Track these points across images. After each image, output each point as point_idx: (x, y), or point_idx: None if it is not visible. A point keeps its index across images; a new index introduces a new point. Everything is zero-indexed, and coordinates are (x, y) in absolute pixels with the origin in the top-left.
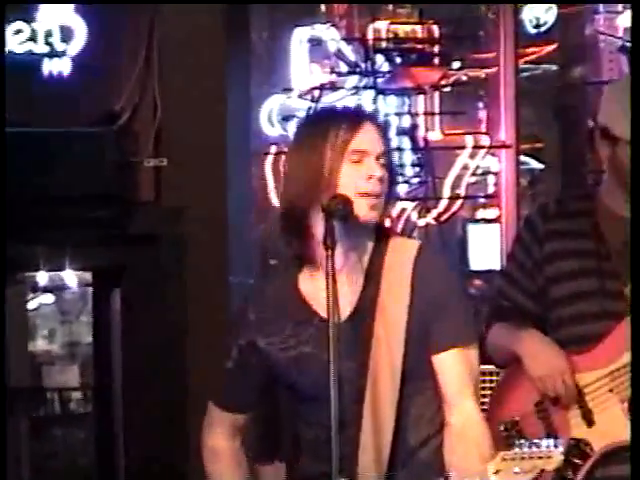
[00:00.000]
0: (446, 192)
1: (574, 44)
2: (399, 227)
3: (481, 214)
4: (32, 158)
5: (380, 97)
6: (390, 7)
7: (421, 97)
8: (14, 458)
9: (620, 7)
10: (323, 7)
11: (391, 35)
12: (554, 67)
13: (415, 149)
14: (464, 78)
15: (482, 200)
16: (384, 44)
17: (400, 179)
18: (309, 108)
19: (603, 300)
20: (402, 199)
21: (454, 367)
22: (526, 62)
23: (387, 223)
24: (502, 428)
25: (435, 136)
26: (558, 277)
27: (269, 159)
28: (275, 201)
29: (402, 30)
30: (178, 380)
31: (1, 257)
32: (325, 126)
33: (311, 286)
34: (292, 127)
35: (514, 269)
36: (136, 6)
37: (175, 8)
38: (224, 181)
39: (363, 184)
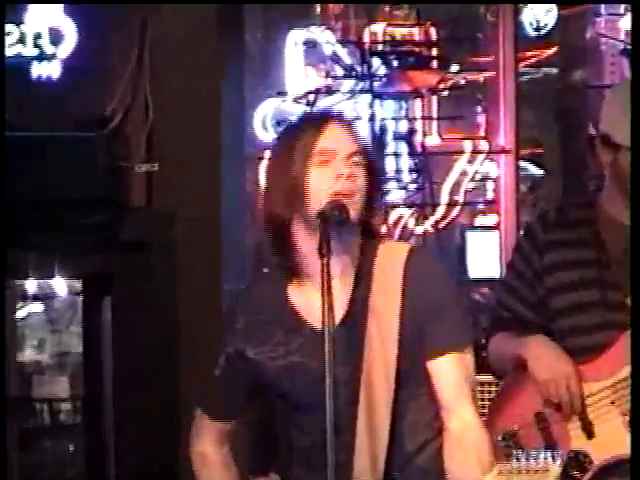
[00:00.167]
0: (444, 198)
1: (575, 47)
2: (396, 234)
3: (480, 221)
4: (20, 162)
5: (377, 101)
6: (387, 9)
7: (418, 101)
8: (2, 469)
9: (622, 9)
10: (318, 9)
11: (388, 38)
12: (554, 70)
13: (412, 154)
14: (462, 82)
15: (481, 206)
16: (380, 47)
17: (397, 185)
18: (304, 112)
19: (605, 311)
20: (399, 205)
21: (450, 372)
22: (526, 65)
23: (383, 229)
24: (500, 439)
25: (433, 141)
26: (559, 288)
27: (263, 164)
28: None
29: (399, 32)
30: (170, 391)
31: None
32: (292, 132)
33: (300, 295)
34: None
35: (514, 279)
36: (127, 7)
37: (167, 8)
38: (217, 186)
39: (332, 184)
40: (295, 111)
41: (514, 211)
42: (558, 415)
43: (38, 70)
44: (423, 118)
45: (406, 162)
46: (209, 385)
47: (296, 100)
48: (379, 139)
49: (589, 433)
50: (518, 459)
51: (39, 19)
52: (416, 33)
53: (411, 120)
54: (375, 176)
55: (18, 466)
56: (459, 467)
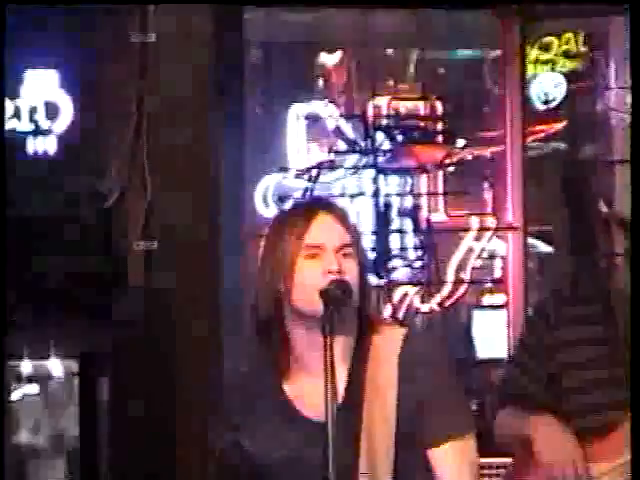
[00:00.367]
0: (450, 276)
1: (584, 121)
2: (401, 313)
3: (487, 300)
4: (14, 241)
5: (381, 176)
6: (391, 82)
7: (424, 177)
8: None
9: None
10: (321, 83)
11: (392, 112)
12: (563, 145)
13: (417, 231)
14: (469, 157)
15: (488, 285)
16: (385, 121)
17: (402, 262)
18: (306, 188)
19: (616, 390)
20: (404, 283)
21: (451, 460)
22: (534, 140)
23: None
24: None
25: (439, 217)
26: (571, 365)
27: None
28: None
29: (403, 106)
30: (169, 474)
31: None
32: (280, 225)
33: (293, 386)
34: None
35: (523, 355)
36: (124, 81)
37: (165, 82)
38: (217, 264)
39: (321, 280)
40: (297, 186)
41: (522, 290)
42: None
43: (33, 145)
44: (428, 194)
45: (411, 239)
46: (207, 474)
47: (298, 175)
48: (383, 215)
49: None
50: None
51: (35, 93)
52: (421, 107)
53: (416, 196)
54: (366, 264)
55: None
56: None
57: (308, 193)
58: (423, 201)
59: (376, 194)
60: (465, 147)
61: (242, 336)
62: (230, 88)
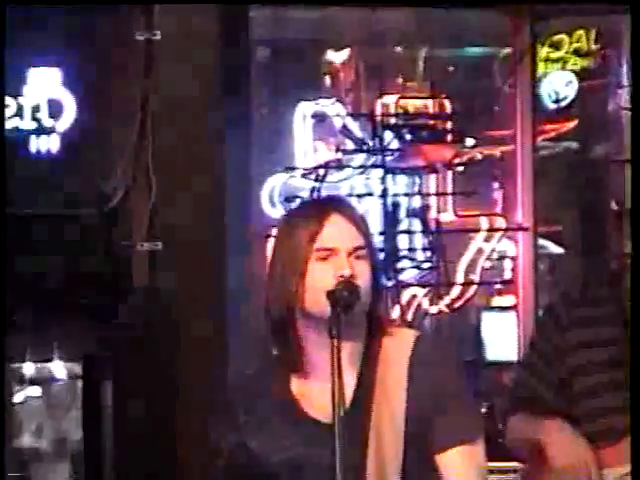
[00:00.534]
0: (459, 277)
1: (596, 120)
2: (409, 315)
3: (497, 301)
4: (17, 242)
5: (389, 176)
6: (400, 81)
7: (433, 176)
8: None
9: None
10: (328, 81)
11: (400, 110)
12: (574, 144)
13: (426, 232)
14: (478, 156)
15: (498, 286)
16: (393, 120)
17: (410, 263)
18: (313, 188)
19: (628, 392)
20: (412, 285)
21: (459, 466)
22: (544, 139)
23: (396, 309)
24: None
25: (448, 218)
26: (582, 368)
27: (270, 242)
28: None
29: (412, 105)
30: (174, 478)
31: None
32: (294, 222)
33: (302, 387)
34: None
35: (535, 358)
36: (128, 79)
37: (170, 80)
38: (222, 266)
39: (332, 284)
40: (304, 186)
41: (532, 291)
42: None
43: (36, 144)
44: (437, 194)
45: (420, 240)
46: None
47: (305, 175)
48: (392, 216)
49: None
50: None
51: (38, 91)
52: (430, 105)
53: (425, 196)
54: (379, 266)
55: None
56: None
57: (315, 193)
58: (432, 201)
59: (384, 194)
60: (474, 146)
61: (247, 337)
62: (236, 87)
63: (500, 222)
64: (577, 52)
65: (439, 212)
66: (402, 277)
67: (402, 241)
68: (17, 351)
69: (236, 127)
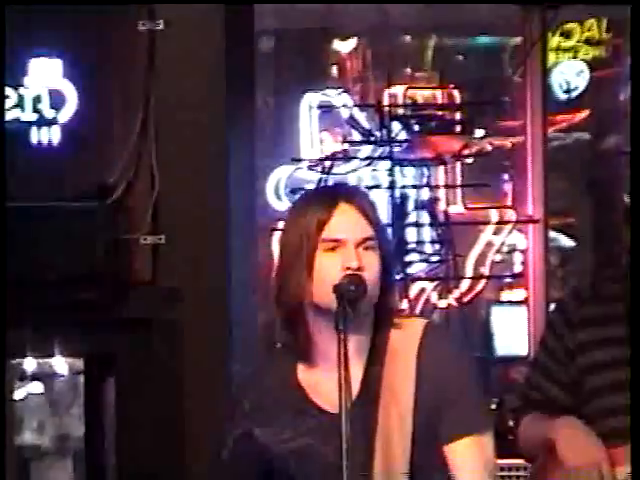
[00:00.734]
0: (469, 271)
1: (607, 111)
2: (418, 309)
3: (507, 295)
4: (17, 235)
5: (397, 168)
6: (408, 70)
7: (441, 168)
8: None
9: None
10: (335, 71)
11: (408, 101)
12: (586, 136)
13: (435, 224)
14: (488, 147)
15: (508, 280)
16: (401, 110)
17: (418, 257)
18: (319, 180)
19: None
20: (421, 279)
21: (467, 457)
22: (556, 130)
23: (404, 303)
24: None
25: (457, 210)
26: (593, 367)
27: (276, 236)
28: None
29: (420, 95)
30: (177, 475)
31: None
32: (301, 212)
33: (309, 377)
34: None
35: (545, 357)
36: (131, 69)
37: (174, 70)
38: (226, 260)
39: (339, 276)
40: (310, 178)
41: (543, 285)
42: None
43: (37, 136)
44: (446, 186)
45: (428, 233)
46: (216, 469)
47: (311, 167)
48: (399, 208)
49: None
50: None
51: (39, 82)
52: (439, 96)
53: (433, 188)
54: (389, 257)
55: None
56: None
57: (322, 185)
58: (440, 193)
59: (392, 186)
60: (484, 137)
61: (252, 332)
62: (240, 78)
63: (510, 214)
64: (588, 41)
65: (448, 204)
66: (410, 271)
67: (410, 234)
68: (18, 346)
69: (240, 118)
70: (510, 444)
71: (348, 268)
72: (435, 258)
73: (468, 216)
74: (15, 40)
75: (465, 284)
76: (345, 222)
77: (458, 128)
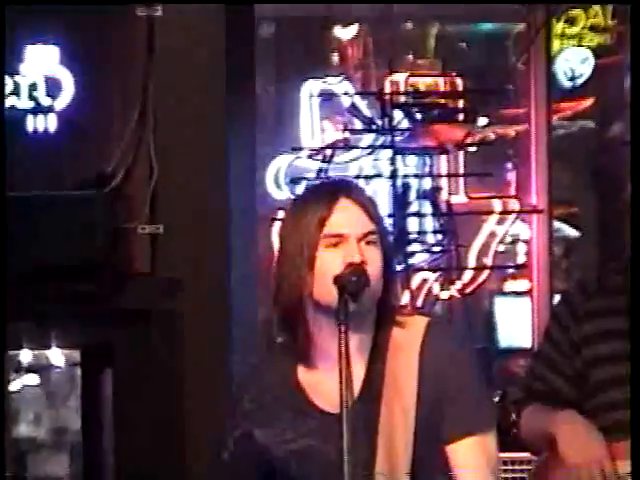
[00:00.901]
0: (471, 262)
1: (613, 98)
2: (420, 300)
3: (510, 286)
4: (13, 225)
5: (398, 157)
6: (410, 58)
7: (444, 157)
8: None
9: None
10: (336, 58)
11: (410, 88)
12: (591, 124)
13: (437, 214)
14: (491, 136)
15: (511, 271)
16: (403, 98)
17: (420, 247)
18: (320, 169)
19: None
20: (423, 269)
21: (470, 457)
22: (560, 118)
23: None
24: None
25: (459, 200)
26: (598, 360)
27: (276, 225)
28: None
29: (423, 83)
30: (175, 470)
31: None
32: (301, 208)
33: (310, 377)
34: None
35: (549, 349)
36: (129, 56)
37: (172, 57)
38: (226, 250)
39: (341, 270)
40: (310, 167)
41: (547, 276)
42: None
43: (33, 124)
44: (449, 175)
45: (430, 223)
46: (216, 470)
47: (311, 156)
48: (401, 198)
49: None
50: None
51: (35, 69)
52: (441, 83)
53: (436, 177)
54: (390, 251)
55: None
56: None
57: (322, 174)
58: (443, 183)
59: (393, 175)
60: (487, 126)
61: (252, 324)
62: (240, 65)
63: (514, 204)
64: (593, 28)
65: (450, 194)
66: (412, 261)
67: (412, 224)
68: (13, 338)
69: (240, 106)
70: (513, 438)
71: (350, 264)
72: (437, 248)
73: (471, 206)
74: (11, 26)
75: (468, 275)
76: (346, 217)
77: (461, 116)
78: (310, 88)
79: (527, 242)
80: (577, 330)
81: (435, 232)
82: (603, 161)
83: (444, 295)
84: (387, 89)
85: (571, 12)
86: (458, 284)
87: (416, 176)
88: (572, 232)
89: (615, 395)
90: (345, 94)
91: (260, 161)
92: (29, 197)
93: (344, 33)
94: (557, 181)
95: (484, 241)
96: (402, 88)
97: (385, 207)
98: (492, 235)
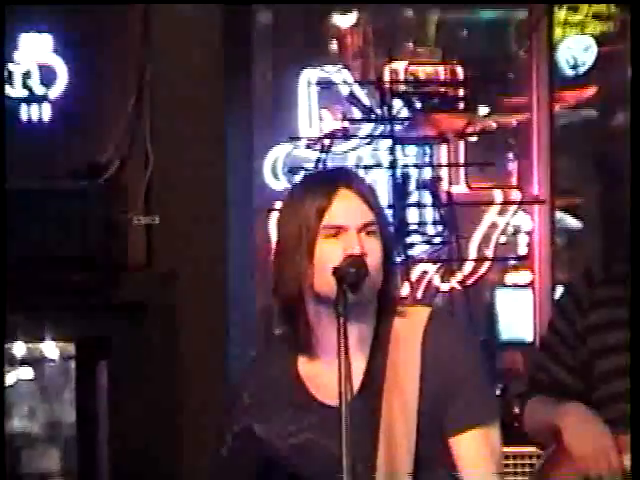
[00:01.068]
0: (472, 253)
1: (616, 87)
2: (419, 292)
3: (511, 278)
4: (7, 216)
5: (398, 146)
6: (410, 46)
7: (444, 147)
8: None
9: None
10: (334, 46)
11: (410, 77)
12: (594, 113)
13: (437, 205)
14: (492, 125)
15: (513, 262)
16: (402, 87)
17: (420, 238)
18: (318, 159)
19: None
20: (423, 260)
21: (473, 450)
22: (562, 107)
23: (406, 286)
24: None
25: (460, 190)
26: (603, 350)
27: (274, 216)
28: None
29: (423, 71)
30: (171, 465)
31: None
32: (300, 198)
33: (310, 370)
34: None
35: (553, 340)
36: (124, 44)
37: (169, 45)
38: (223, 241)
39: (340, 261)
40: (308, 157)
41: (549, 267)
42: None
43: (27, 113)
44: (449, 165)
45: (430, 213)
46: (216, 465)
47: (310, 145)
48: (401, 188)
49: None
50: None
51: (29, 57)
52: (442, 72)
53: (436, 167)
54: (390, 242)
55: None
56: None
57: (321, 164)
58: (443, 173)
59: (393, 165)
60: (488, 115)
61: (251, 316)
62: (237, 53)
63: (515, 195)
64: (596, 16)
65: (451, 184)
66: (412, 252)
67: (412, 215)
68: (7, 330)
69: (237, 95)
70: (516, 431)
71: (350, 255)
72: (437, 240)
73: (472, 196)
74: (4, 14)
75: (468, 266)
76: (346, 208)
77: (461, 105)
78: (308, 76)
79: (529, 233)
80: (582, 321)
81: (435, 223)
82: (606, 150)
83: (445, 287)
84: (386, 78)
85: None
86: (459, 276)
87: (416, 166)
88: (574, 223)
89: (620, 386)
90: (344, 83)
91: (258, 151)
92: (23, 188)
93: (343, 21)
94: (559, 171)
95: (485, 232)
96: (402, 77)
97: (384, 197)
98: (493, 226)
